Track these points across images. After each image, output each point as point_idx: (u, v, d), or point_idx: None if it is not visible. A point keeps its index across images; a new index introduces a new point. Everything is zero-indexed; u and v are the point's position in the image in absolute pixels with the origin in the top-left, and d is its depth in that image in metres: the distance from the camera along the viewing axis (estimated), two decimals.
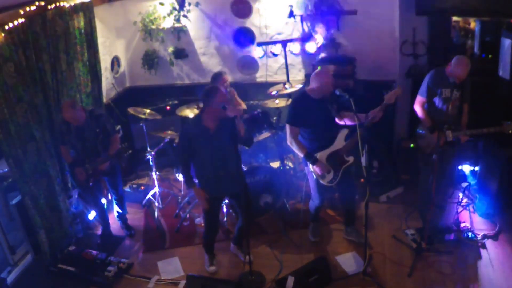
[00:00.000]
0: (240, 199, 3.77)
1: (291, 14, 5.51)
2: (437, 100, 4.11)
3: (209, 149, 3.56)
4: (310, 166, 3.92)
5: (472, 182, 4.90)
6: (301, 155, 3.94)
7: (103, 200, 4.79)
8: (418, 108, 4.21)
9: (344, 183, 4.04)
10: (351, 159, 3.95)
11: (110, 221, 4.79)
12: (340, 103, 3.89)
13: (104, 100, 5.53)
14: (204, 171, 3.68)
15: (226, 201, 4.59)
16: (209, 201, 3.76)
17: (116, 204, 4.77)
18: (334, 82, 3.82)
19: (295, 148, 3.94)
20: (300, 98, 3.98)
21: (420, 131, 4.27)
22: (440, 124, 3.90)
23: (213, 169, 3.62)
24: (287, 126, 3.90)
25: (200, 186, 3.78)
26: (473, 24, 5.73)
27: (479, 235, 4.14)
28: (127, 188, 5.62)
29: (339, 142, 3.92)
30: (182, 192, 5.39)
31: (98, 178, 4.47)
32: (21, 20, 3.88)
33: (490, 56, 5.19)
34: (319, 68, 5.42)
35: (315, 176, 3.95)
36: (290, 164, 5.58)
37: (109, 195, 4.91)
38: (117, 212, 4.81)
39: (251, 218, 4.23)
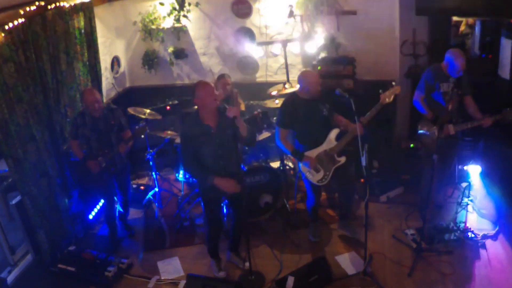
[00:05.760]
0: (237, 200, 3.75)
1: (291, 14, 5.51)
2: (435, 95, 4.13)
3: (211, 148, 3.49)
4: (300, 165, 3.92)
5: (472, 182, 4.90)
6: (288, 152, 3.96)
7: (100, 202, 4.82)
8: (417, 103, 4.23)
9: (342, 182, 4.04)
10: (342, 159, 3.93)
11: None
12: (338, 103, 3.88)
13: (104, 100, 5.53)
14: None
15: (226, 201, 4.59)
16: (208, 203, 3.76)
17: (120, 205, 4.76)
18: (321, 82, 3.84)
19: (283, 147, 3.95)
20: (289, 100, 4.00)
21: (422, 131, 4.26)
22: (441, 119, 3.90)
23: (213, 170, 3.55)
24: (276, 128, 3.95)
25: (200, 187, 3.77)
26: (463, 27, 5.76)
27: (479, 235, 4.13)
28: None
29: (330, 141, 3.91)
30: (182, 192, 5.39)
31: (111, 174, 4.39)
32: (21, 20, 3.88)
33: (490, 56, 5.19)
34: (319, 68, 5.44)
35: (304, 175, 3.96)
36: (290, 164, 5.58)
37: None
38: (119, 211, 4.79)
39: (247, 218, 4.21)
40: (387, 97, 3.71)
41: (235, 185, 3.55)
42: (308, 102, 3.85)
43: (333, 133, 3.91)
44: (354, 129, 3.71)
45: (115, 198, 4.70)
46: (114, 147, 4.24)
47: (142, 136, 4.30)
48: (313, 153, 3.91)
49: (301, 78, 3.84)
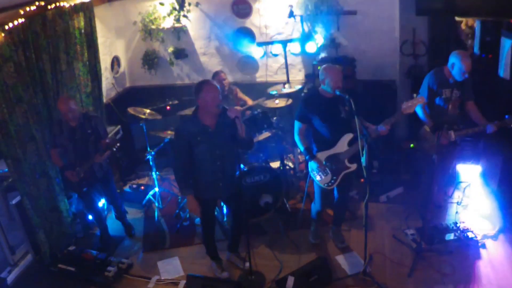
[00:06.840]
0: (235, 201, 3.73)
1: (291, 14, 5.51)
2: (437, 101, 4.10)
3: (208, 149, 3.45)
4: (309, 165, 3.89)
5: (472, 182, 4.90)
6: (302, 149, 3.88)
7: (101, 202, 4.80)
8: (418, 109, 4.19)
9: (341, 190, 3.99)
10: (353, 166, 3.84)
11: (110, 222, 4.78)
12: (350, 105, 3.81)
13: (104, 100, 5.53)
14: (200, 173, 3.56)
15: None
16: (203, 204, 3.67)
17: (112, 209, 4.77)
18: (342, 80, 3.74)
19: (299, 143, 3.90)
20: (311, 96, 3.93)
21: (423, 130, 4.25)
22: (442, 124, 3.89)
23: (210, 171, 3.52)
24: (295, 122, 3.87)
25: (194, 189, 3.62)
26: (463, 27, 5.75)
27: (479, 235, 4.13)
28: (127, 188, 5.61)
29: (341, 146, 3.81)
30: None
31: (92, 183, 4.36)
32: (21, 20, 3.89)
33: (490, 56, 5.19)
34: (319, 68, 5.41)
35: (313, 177, 3.93)
36: (290, 164, 5.58)
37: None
38: (115, 214, 4.80)
39: (246, 220, 4.19)
40: (408, 108, 3.50)
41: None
42: (329, 101, 3.76)
43: (346, 137, 3.79)
44: (372, 132, 3.59)
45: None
46: (91, 156, 4.11)
47: (114, 148, 4.15)
48: (323, 155, 3.84)
49: (322, 71, 3.73)
